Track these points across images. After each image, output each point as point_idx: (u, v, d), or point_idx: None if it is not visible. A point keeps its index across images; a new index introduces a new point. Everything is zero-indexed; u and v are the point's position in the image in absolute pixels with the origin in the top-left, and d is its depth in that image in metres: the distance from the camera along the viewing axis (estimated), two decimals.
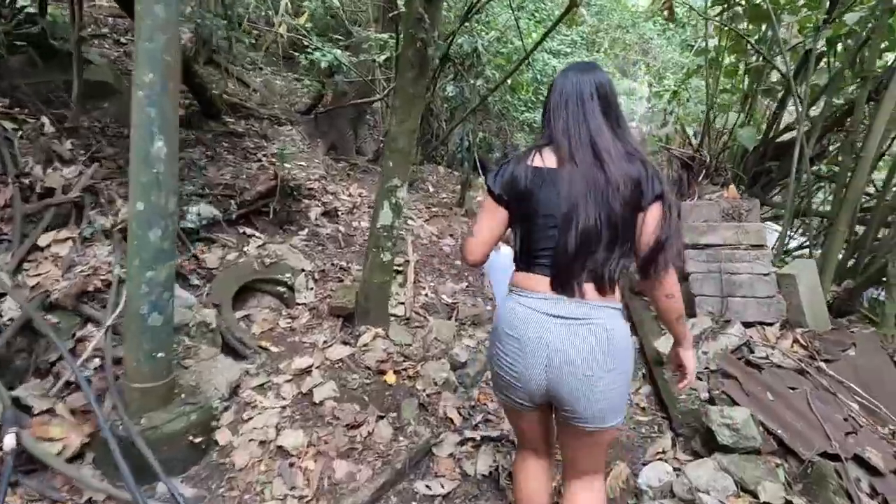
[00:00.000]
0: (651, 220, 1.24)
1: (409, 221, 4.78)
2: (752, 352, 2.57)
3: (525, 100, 7.44)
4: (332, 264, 3.64)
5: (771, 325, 2.78)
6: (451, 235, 4.82)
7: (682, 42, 8.07)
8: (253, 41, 7.08)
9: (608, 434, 1.35)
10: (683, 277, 3.08)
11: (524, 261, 1.36)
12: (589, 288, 1.26)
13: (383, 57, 5.25)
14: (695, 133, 6.62)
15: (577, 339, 1.24)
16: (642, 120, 8.12)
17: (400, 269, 3.84)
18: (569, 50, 8.26)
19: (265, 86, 6.47)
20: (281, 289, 3.15)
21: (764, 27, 4.43)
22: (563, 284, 1.27)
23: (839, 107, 4.25)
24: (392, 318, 3.25)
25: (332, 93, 5.65)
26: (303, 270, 3.30)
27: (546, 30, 4.09)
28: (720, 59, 4.55)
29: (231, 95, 5.43)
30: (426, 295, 3.62)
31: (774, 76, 4.74)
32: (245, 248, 3.22)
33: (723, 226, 2.98)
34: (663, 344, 2.77)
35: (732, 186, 3.25)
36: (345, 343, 2.89)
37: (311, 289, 3.25)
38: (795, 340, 2.60)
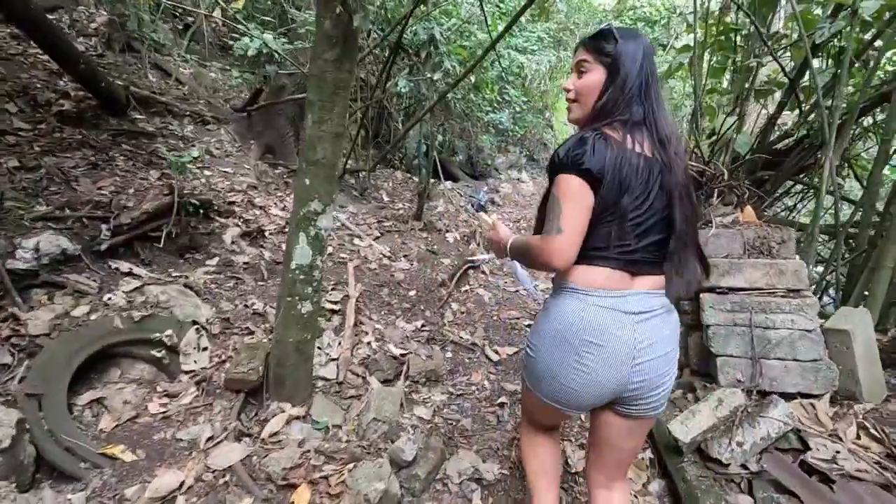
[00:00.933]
0: None
1: (356, 241, 3.83)
2: (805, 446, 1.77)
3: (490, 99, 6.55)
4: (245, 306, 2.66)
5: (818, 397, 2.00)
6: (406, 256, 3.88)
7: (653, 41, 7.37)
8: (181, 27, 5.92)
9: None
10: (697, 326, 2.28)
11: (593, 255, 1.16)
12: (658, 278, 1.19)
13: None
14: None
15: (660, 331, 1.16)
16: None
17: (337, 307, 2.90)
18: (535, 47, 7.44)
19: (194, 78, 5.33)
20: (158, 353, 2.15)
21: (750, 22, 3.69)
22: (638, 278, 1.16)
23: (846, 109, 3.56)
24: (319, 384, 2.32)
25: (267, 86, 4.61)
26: (194, 323, 2.31)
27: (511, 18, 3.24)
28: (712, 55, 3.78)
29: (142, 88, 4.30)
30: (369, 344, 2.69)
31: (764, 74, 4.05)
32: (108, 297, 2.20)
33: (748, 263, 2.17)
34: (679, 428, 1.95)
35: (749, 208, 2.46)
36: (243, 435, 1.94)
37: (205, 349, 2.27)
38: (862, 427, 1.82)
